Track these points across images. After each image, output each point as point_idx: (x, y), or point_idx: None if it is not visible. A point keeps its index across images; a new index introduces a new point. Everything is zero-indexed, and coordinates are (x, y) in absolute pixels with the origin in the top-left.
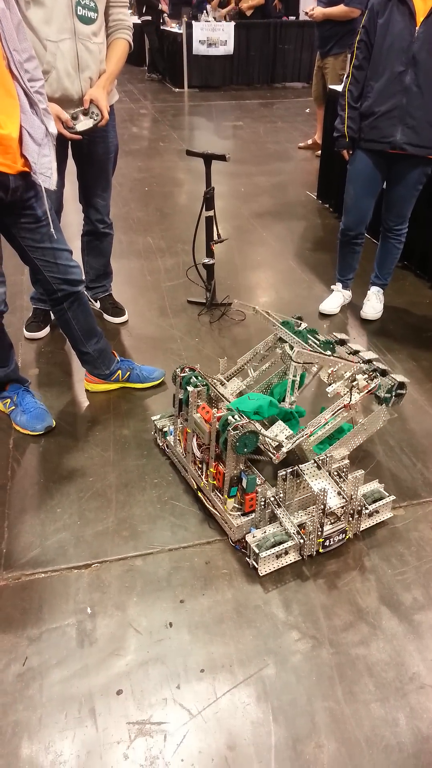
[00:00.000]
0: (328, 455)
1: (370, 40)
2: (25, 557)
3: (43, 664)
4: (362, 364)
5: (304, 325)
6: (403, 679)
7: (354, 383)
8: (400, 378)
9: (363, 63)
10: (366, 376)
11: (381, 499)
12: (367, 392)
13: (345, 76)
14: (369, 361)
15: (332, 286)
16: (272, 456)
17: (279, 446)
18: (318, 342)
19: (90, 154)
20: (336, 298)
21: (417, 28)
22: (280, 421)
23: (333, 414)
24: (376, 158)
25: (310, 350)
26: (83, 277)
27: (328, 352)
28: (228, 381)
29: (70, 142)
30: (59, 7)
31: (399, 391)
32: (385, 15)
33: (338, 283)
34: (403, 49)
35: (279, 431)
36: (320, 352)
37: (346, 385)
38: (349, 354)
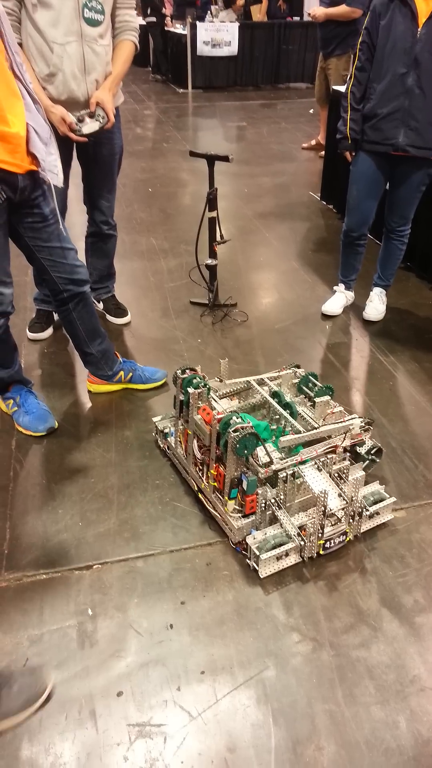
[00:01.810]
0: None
1: (373, 41)
2: (26, 558)
3: (44, 666)
4: (354, 420)
5: (300, 372)
6: (404, 682)
7: (350, 429)
8: (378, 444)
9: (365, 64)
10: (363, 425)
11: (382, 500)
12: (357, 440)
13: (348, 77)
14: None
15: (335, 287)
16: (260, 470)
17: (269, 463)
18: (313, 391)
19: (95, 155)
20: (339, 299)
21: (419, 29)
22: (270, 443)
23: (324, 450)
24: (378, 160)
25: (294, 435)
26: (89, 278)
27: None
28: (220, 400)
29: (75, 144)
30: (66, 10)
31: (373, 456)
32: (387, 16)
33: (341, 284)
34: (405, 50)
35: (270, 450)
36: (309, 427)
37: (342, 430)
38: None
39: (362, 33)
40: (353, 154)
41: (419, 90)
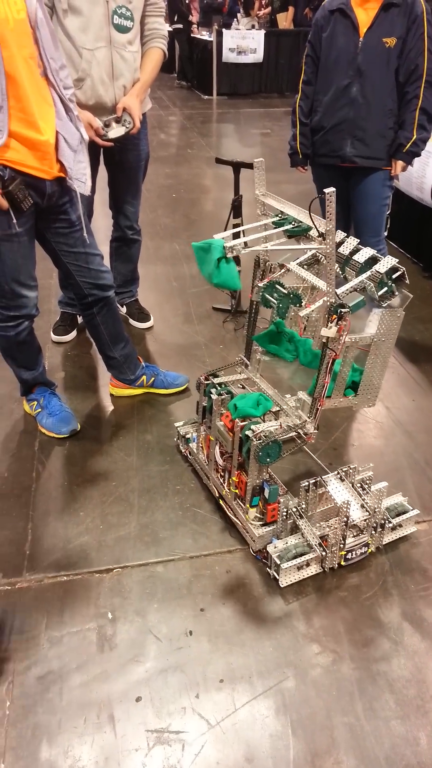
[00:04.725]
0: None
1: (317, 54)
2: (47, 560)
3: (64, 668)
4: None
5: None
6: (425, 697)
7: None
8: (389, 264)
9: (311, 78)
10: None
11: (405, 512)
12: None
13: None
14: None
15: None
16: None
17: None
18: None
19: (121, 161)
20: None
21: (360, 39)
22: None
23: (327, 368)
24: (332, 173)
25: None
26: (113, 283)
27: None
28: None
29: (102, 149)
30: (96, 16)
31: (392, 284)
32: (328, 29)
33: None
34: (348, 61)
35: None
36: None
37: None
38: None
39: (306, 47)
40: (305, 168)
41: (363, 99)
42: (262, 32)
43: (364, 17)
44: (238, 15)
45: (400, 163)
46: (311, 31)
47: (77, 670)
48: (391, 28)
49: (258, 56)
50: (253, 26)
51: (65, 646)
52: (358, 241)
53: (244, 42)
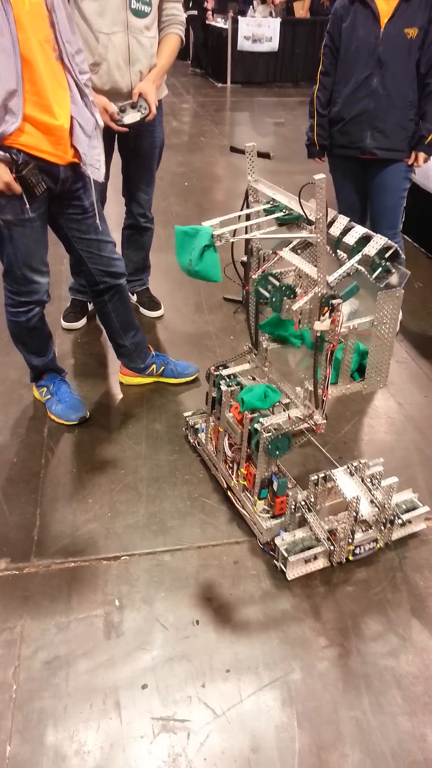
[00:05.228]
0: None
1: (335, 45)
2: (56, 546)
3: (70, 654)
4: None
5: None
6: None
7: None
8: (378, 244)
9: (329, 69)
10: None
11: (414, 509)
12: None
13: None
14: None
15: None
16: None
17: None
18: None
19: (136, 148)
20: (350, 305)
21: (381, 30)
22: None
23: (326, 359)
24: (351, 164)
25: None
26: (125, 270)
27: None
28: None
29: (117, 136)
30: (113, 1)
31: (387, 263)
32: (348, 19)
33: None
34: (368, 52)
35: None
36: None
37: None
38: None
39: (325, 37)
40: (323, 159)
41: (384, 91)
42: (278, 20)
43: (385, 7)
44: (254, 2)
45: (422, 155)
46: (330, 22)
47: (84, 656)
48: (412, 19)
49: (273, 45)
50: (270, 13)
51: (72, 632)
52: (348, 219)
53: (259, 30)
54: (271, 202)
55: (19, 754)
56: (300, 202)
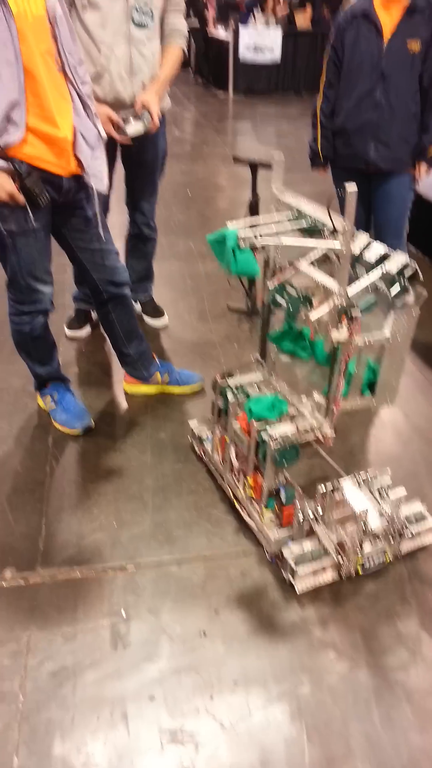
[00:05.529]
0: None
1: (339, 58)
2: (61, 555)
3: (77, 665)
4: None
5: None
6: None
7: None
8: (399, 262)
9: (333, 81)
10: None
11: (423, 519)
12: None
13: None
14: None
15: None
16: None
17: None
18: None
19: (139, 158)
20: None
21: (384, 44)
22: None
23: (339, 370)
24: (352, 175)
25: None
26: (129, 280)
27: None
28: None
29: (119, 146)
30: (115, 12)
31: (406, 282)
32: (352, 33)
33: None
34: (372, 65)
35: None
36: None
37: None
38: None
39: (329, 50)
40: (326, 170)
41: (387, 104)
42: (280, 31)
43: (388, 22)
44: (255, 12)
45: (423, 167)
46: (333, 35)
47: (91, 667)
48: (415, 33)
49: (275, 56)
50: (267, 22)
51: (79, 642)
52: (367, 234)
53: (261, 40)
54: (296, 212)
55: (26, 765)
56: (329, 211)
